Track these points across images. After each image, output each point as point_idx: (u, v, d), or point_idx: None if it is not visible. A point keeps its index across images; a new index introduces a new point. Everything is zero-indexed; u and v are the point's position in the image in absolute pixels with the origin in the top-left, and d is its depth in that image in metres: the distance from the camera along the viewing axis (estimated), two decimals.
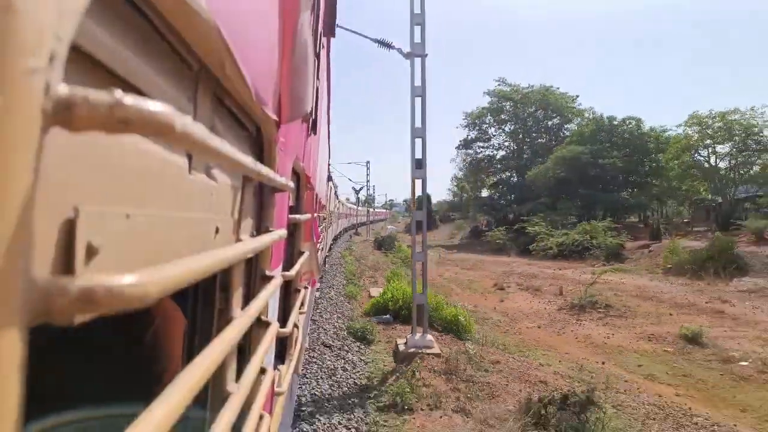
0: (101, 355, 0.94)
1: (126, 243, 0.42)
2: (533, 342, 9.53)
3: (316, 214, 4.64)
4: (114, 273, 0.30)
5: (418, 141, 7.37)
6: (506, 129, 42.90)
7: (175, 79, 0.59)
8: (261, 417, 1.02)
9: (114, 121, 0.27)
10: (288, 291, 2.37)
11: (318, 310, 9.53)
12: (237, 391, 0.76)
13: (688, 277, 16.87)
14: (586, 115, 39.78)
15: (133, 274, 0.31)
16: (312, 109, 2.60)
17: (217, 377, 0.83)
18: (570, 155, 30.74)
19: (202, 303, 1.00)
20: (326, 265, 14.54)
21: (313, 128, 3.20)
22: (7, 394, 0.24)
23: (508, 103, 41.55)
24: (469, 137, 43.48)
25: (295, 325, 2.04)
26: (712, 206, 24.90)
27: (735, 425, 5.91)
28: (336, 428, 4.47)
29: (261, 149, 1.16)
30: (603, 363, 8.30)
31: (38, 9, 0.24)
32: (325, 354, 6.85)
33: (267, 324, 1.15)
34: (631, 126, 31.92)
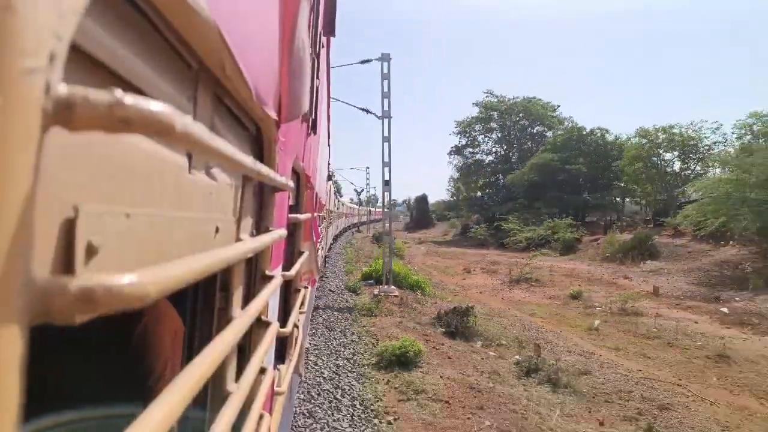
0: (95, 354, 0.94)
1: (126, 242, 0.42)
2: (470, 299, 13.43)
3: (316, 214, 4.64)
4: (114, 273, 0.30)
5: (386, 168, 13.05)
6: (494, 136, 48.81)
7: (175, 79, 0.59)
8: (261, 417, 1.02)
9: (114, 121, 0.27)
10: (288, 291, 2.37)
11: (324, 279, 13.56)
12: (237, 391, 0.76)
13: (616, 263, 20.97)
14: (566, 123, 45.24)
15: (133, 273, 0.31)
16: (312, 108, 2.60)
17: (217, 377, 0.84)
18: (541, 162, 36.47)
19: (203, 303, 1.00)
20: (331, 252, 18.73)
21: (313, 128, 3.20)
22: (7, 394, 0.24)
23: (495, 112, 47.16)
24: (461, 143, 49.22)
25: (295, 325, 2.04)
26: (660, 205, 29.65)
27: (560, 331, 10.50)
28: (337, 318, 9.53)
29: (261, 149, 1.16)
30: (509, 309, 12.75)
31: (38, 9, 0.24)
32: (330, 296, 11.87)
33: (267, 324, 1.15)
34: (596, 136, 37.81)
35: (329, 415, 5.14)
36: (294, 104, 1.38)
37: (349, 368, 6.74)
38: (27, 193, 0.25)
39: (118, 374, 0.96)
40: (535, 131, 47.27)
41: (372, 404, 5.56)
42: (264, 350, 1.01)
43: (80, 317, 0.28)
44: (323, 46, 4.01)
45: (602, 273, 19.02)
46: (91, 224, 0.35)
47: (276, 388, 1.61)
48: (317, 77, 2.97)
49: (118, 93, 0.27)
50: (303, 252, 2.54)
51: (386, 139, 12.77)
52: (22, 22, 0.23)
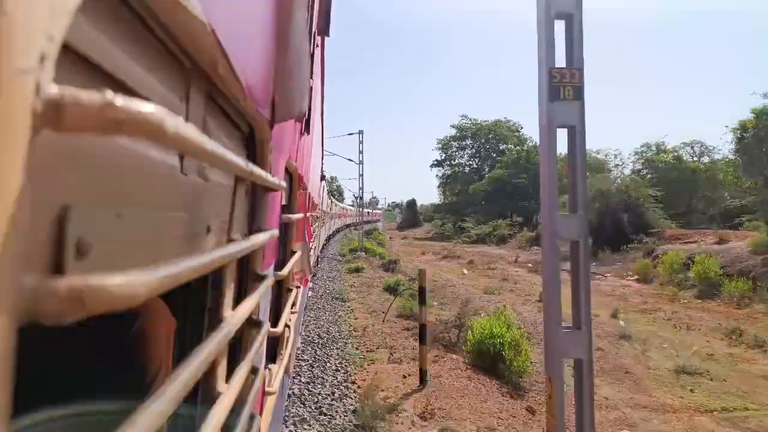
0: (87, 354, 0.93)
1: (116, 243, 0.42)
2: (413, 265, 20.00)
3: (308, 214, 4.62)
4: (104, 273, 0.30)
5: (361, 191, 29.04)
6: (468, 152, 63.07)
7: (168, 79, 0.59)
8: (252, 417, 1.02)
9: (105, 122, 0.27)
10: (280, 290, 2.37)
11: (329, 248, 23.79)
12: (227, 391, 0.76)
13: (521, 249, 30.93)
14: (528, 143, 57.29)
15: (123, 274, 0.31)
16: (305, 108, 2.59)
17: (208, 377, 0.83)
18: (495, 176, 50.00)
19: (194, 303, 0.99)
20: (330, 242, 29.06)
21: (307, 127, 3.19)
22: None
23: (469, 132, 60.93)
24: (441, 158, 63.70)
25: (287, 325, 2.04)
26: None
27: (448, 274, 19.55)
28: (330, 270, 17.86)
29: (254, 148, 1.16)
30: (428, 267, 17.68)
31: (29, 8, 0.24)
32: (332, 256, 22.40)
33: (258, 324, 1.15)
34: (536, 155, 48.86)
35: (330, 278, 15.53)
36: (288, 104, 1.38)
37: (337, 272, 17.13)
38: (17, 193, 0.25)
39: (112, 372, 0.95)
40: (501, 148, 59.52)
41: (344, 275, 16.42)
42: (255, 350, 1.00)
43: (69, 318, 0.28)
44: (318, 46, 4.00)
45: (504, 254, 29.35)
46: (81, 224, 0.35)
47: (267, 388, 1.60)
48: (311, 77, 2.96)
49: (109, 94, 0.27)
50: (295, 252, 2.54)
51: (360, 172, 27.55)
52: (12, 22, 0.23)
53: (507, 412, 5.86)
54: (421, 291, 6.44)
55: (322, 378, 6.34)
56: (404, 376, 6.55)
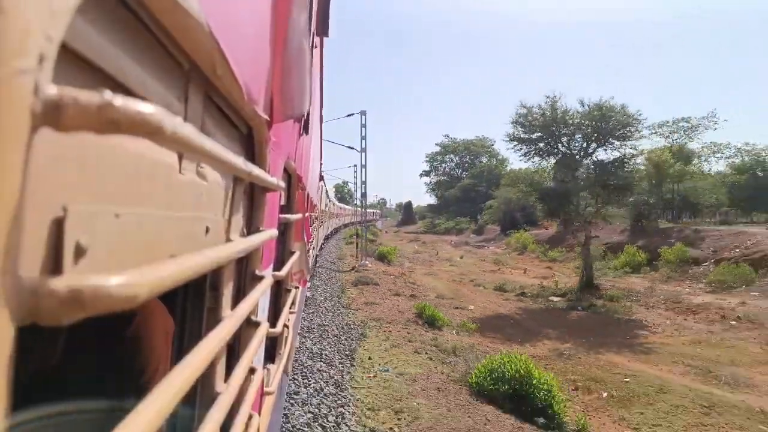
0: (86, 354, 0.93)
1: (115, 243, 0.42)
2: (391, 245, 31.38)
3: (307, 214, 4.62)
4: (103, 273, 0.30)
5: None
6: (448, 165, 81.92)
7: (166, 79, 0.59)
8: (250, 417, 1.02)
9: (103, 122, 0.27)
10: (278, 291, 2.37)
11: (330, 244, 28.97)
12: (226, 391, 0.76)
13: (467, 237, 48.48)
14: (499, 156, 77.32)
15: (122, 274, 0.31)
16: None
17: (207, 377, 0.83)
18: (464, 185, 67.93)
19: (192, 303, 0.99)
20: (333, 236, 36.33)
21: (305, 128, 3.19)
22: None
23: (449, 148, 79.10)
24: (429, 168, 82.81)
25: (285, 325, 2.04)
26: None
27: (413, 252, 34.93)
28: (339, 244, 31.86)
29: (252, 149, 1.16)
30: (401, 248, 33.61)
31: (28, 9, 0.24)
32: (336, 240, 33.93)
33: (257, 324, 1.15)
34: (497, 165, 67.75)
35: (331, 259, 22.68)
36: (287, 105, 1.38)
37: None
38: (15, 193, 0.25)
39: (111, 372, 0.95)
40: (475, 162, 79.94)
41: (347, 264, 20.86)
42: (253, 350, 1.00)
43: (69, 318, 0.28)
44: (316, 46, 4.00)
45: (450, 239, 46.05)
46: (80, 224, 0.35)
47: (265, 388, 1.60)
48: (310, 78, 2.95)
49: (108, 94, 0.27)
50: (294, 252, 2.54)
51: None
52: (11, 23, 0.23)
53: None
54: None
55: None
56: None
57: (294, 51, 1.38)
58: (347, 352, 7.64)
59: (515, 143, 19.93)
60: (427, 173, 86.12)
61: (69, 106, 0.26)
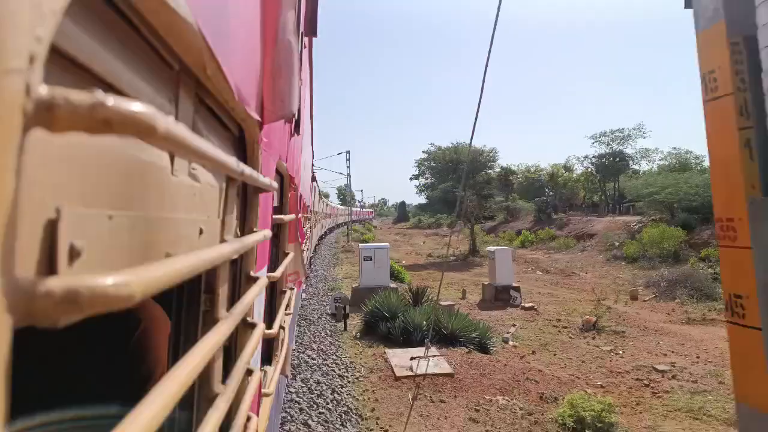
0: (84, 355, 0.92)
1: (109, 244, 0.42)
2: (373, 235, 45.08)
3: (300, 215, 4.61)
4: (98, 274, 0.30)
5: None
6: (434, 170, 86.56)
7: (156, 80, 0.59)
8: (248, 418, 1.02)
9: (95, 122, 0.27)
10: (273, 292, 2.36)
11: (332, 237, 42.83)
12: (224, 393, 0.76)
13: (445, 230, 52.05)
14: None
15: (118, 274, 0.31)
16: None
17: (204, 378, 0.83)
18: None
19: (187, 304, 0.99)
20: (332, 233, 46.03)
21: (296, 128, 3.19)
22: None
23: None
24: (418, 173, 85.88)
25: (281, 327, 2.03)
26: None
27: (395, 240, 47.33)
28: (338, 236, 46.03)
29: (244, 149, 1.16)
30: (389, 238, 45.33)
31: (17, 10, 0.24)
32: (335, 234, 49.06)
33: (253, 325, 1.15)
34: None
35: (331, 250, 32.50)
36: (277, 105, 1.38)
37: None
38: (8, 195, 0.25)
39: (109, 374, 0.95)
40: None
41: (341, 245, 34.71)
42: (250, 351, 1.00)
43: (65, 319, 0.28)
44: (305, 47, 3.99)
45: (429, 233, 53.56)
46: (73, 226, 0.35)
47: (263, 390, 1.60)
48: (300, 78, 2.95)
49: (100, 94, 0.27)
50: (288, 253, 2.53)
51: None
52: (0, 24, 0.23)
53: None
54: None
55: None
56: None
57: (283, 51, 1.38)
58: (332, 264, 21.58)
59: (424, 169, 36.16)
60: (416, 177, 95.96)
61: (61, 106, 0.26)
